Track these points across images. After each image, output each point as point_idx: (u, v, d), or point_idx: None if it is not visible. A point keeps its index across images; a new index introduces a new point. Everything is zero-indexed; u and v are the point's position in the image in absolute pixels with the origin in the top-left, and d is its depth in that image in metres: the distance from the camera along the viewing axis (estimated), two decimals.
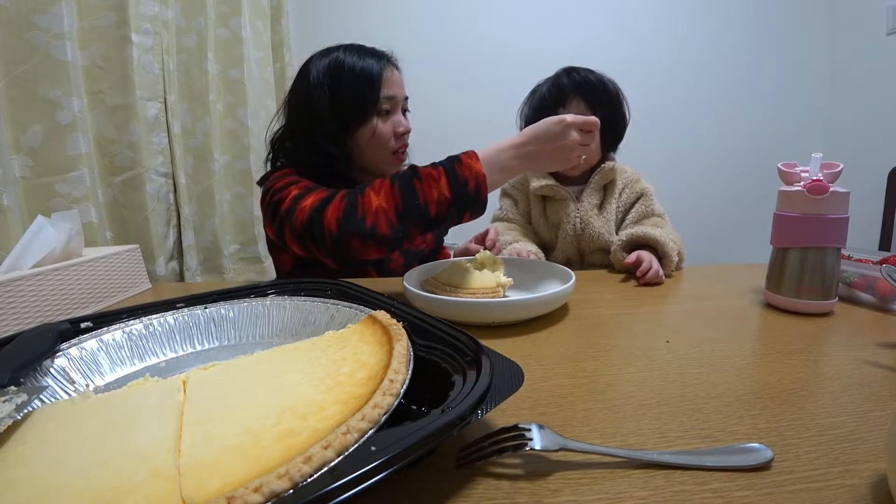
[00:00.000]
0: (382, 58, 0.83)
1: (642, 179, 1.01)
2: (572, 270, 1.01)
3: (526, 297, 0.55)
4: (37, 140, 0.87)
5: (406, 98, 0.86)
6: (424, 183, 0.60)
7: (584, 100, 0.94)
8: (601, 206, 0.98)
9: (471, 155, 0.62)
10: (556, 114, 0.91)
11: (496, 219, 1.07)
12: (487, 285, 0.61)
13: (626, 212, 0.98)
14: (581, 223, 0.96)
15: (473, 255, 0.75)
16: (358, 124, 0.81)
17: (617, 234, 0.97)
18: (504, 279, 0.63)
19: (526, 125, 0.97)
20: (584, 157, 0.83)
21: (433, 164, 0.63)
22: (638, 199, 0.98)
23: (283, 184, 0.74)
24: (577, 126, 0.62)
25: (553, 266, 0.71)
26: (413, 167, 0.64)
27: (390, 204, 0.60)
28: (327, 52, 0.83)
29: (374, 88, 0.79)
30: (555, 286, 0.63)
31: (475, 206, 0.61)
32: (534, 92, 1.02)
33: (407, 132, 0.85)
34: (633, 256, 0.78)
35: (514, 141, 0.63)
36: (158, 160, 1.10)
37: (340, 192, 0.66)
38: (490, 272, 0.65)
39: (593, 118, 0.63)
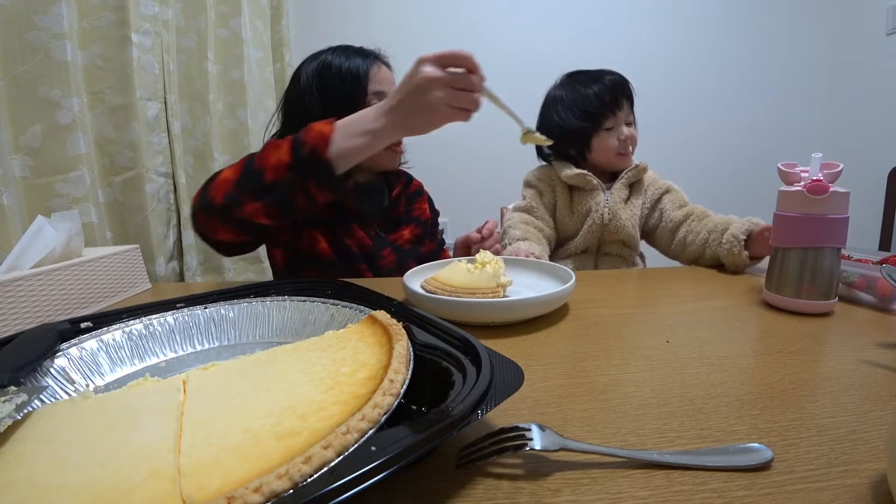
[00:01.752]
0: (369, 56, 0.84)
1: (659, 179, 1.09)
2: (588, 261, 1.05)
3: (526, 297, 0.55)
4: (37, 140, 0.87)
5: None
6: (266, 150, 0.60)
7: (627, 99, 1.01)
8: (627, 201, 1.04)
9: (327, 122, 0.60)
10: (611, 119, 0.99)
11: (518, 209, 1.08)
12: (487, 285, 0.61)
13: (653, 207, 1.05)
14: (609, 213, 1.01)
15: (473, 244, 0.75)
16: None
17: (644, 226, 1.06)
18: (504, 279, 0.63)
19: (567, 135, 1.03)
20: (466, 107, 0.60)
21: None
22: (664, 193, 1.05)
23: None
24: (432, 61, 0.54)
25: (553, 266, 0.71)
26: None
27: (234, 174, 0.62)
28: (316, 55, 0.85)
29: (360, 85, 0.81)
30: (555, 286, 0.63)
31: (317, 171, 0.57)
32: (561, 99, 1.04)
33: None
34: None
35: (381, 102, 0.61)
36: (158, 160, 1.10)
37: None
38: (490, 272, 0.65)
39: (459, 51, 0.54)
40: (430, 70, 0.54)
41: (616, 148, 1.01)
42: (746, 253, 0.79)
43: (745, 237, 0.80)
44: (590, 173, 1.02)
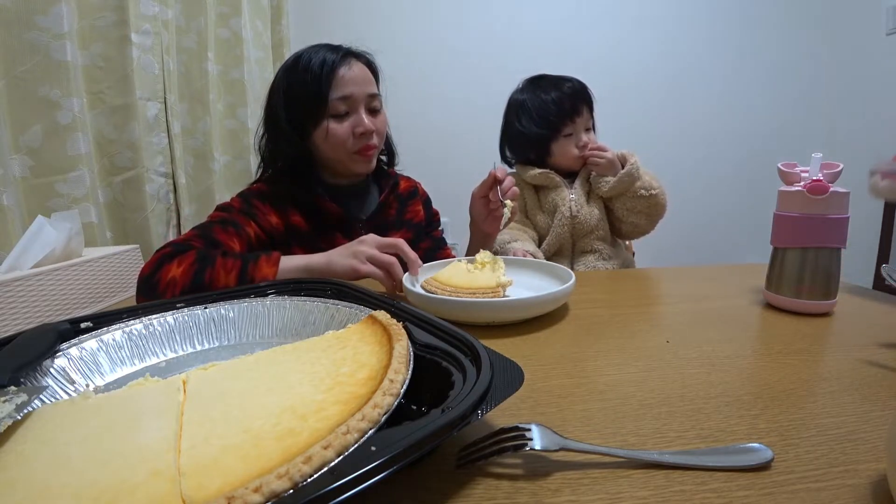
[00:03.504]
0: (340, 50, 0.79)
1: None
2: (565, 257, 1.07)
3: (526, 297, 0.55)
4: (37, 140, 0.87)
5: (374, 95, 0.81)
6: (217, 271, 0.63)
7: (587, 106, 1.04)
8: (591, 193, 1.07)
9: (272, 259, 0.65)
10: (570, 126, 1.03)
11: None
12: (487, 285, 0.61)
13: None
14: (576, 206, 1.04)
15: (491, 191, 0.76)
16: (312, 126, 0.79)
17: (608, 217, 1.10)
18: (504, 279, 0.63)
19: (525, 142, 1.07)
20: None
21: (242, 256, 0.65)
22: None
23: (212, 219, 0.77)
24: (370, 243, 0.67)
25: (553, 266, 0.71)
26: (223, 252, 0.67)
27: (183, 279, 0.62)
28: (290, 57, 0.83)
29: (321, 91, 0.76)
30: (555, 286, 0.63)
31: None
32: (522, 105, 1.07)
33: (367, 132, 0.80)
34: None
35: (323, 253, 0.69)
36: (158, 160, 1.11)
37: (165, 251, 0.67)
38: (490, 272, 0.65)
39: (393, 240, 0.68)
40: (364, 248, 0.66)
41: (575, 154, 1.04)
42: (593, 173, 1.03)
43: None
44: (552, 171, 1.05)
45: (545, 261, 0.90)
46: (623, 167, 1.01)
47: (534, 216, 1.09)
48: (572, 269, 1.03)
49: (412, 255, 0.67)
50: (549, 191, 1.06)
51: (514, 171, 1.13)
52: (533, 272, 0.73)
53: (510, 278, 0.64)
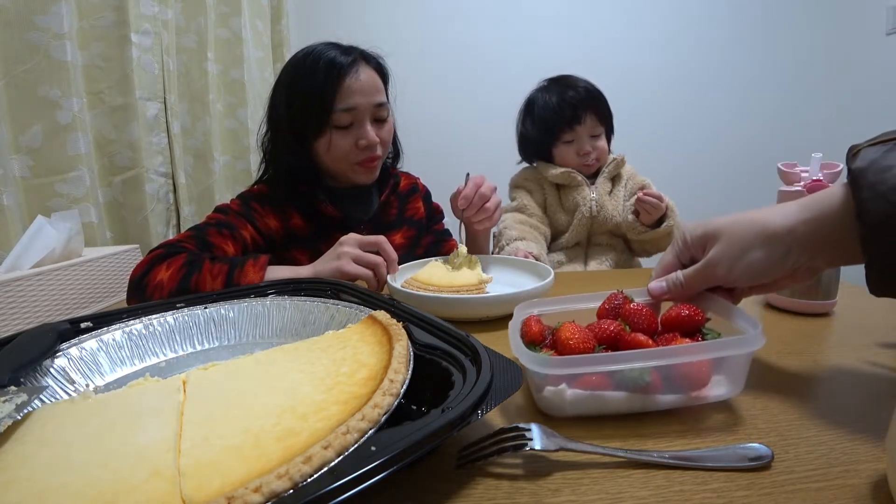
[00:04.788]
0: (350, 54, 0.76)
1: (637, 174, 1.11)
2: (579, 252, 1.08)
3: (511, 292, 0.56)
4: (37, 140, 0.87)
5: (380, 105, 0.78)
6: (203, 276, 0.62)
7: (594, 113, 1.02)
8: (611, 192, 1.07)
9: (259, 264, 0.63)
10: (569, 133, 1.02)
11: (510, 209, 1.09)
12: (469, 282, 0.61)
13: (630, 199, 1.07)
14: (597, 206, 1.04)
15: (461, 212, 0.75)
16: (314, 135, 0.77)
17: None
18: (484, 276, 0.63)
19: (528, 144, 1.08)
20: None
21: (229, 260, 0.64)
22: (640, 188, 1.07)
23: (208, 221, 0.76)
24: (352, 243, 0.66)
25: (532, 263, 0.72)
26: (213, 257, 0.65)
27: (170, 284, 0.61)
28: (299, 51, 0.80)
29: (324, 101, 0.74)
30: (534, 282, 0.63)
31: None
32: (531, 106, 1.07)
33: (370, 145, 0.78)
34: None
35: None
36: (158, 160, 1.11)
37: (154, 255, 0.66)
38: (469, 270, 0.66)
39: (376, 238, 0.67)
40: (348, 248, 0.65)
41: (577, 161, 1.03)
42: (632, 217, 1.00)
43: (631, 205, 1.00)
44: (574, 170, 1.04)
45: (544, 258, 0.91)
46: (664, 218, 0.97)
47: (553, 214, 1.08)
48: (586, 259, 1.06)
49: (392, 254, 0.66)
50: (570, 190, 1.05)
51: (534, 166, 1.11)
52: (511, 269, 0.73)
53: (490, 275, 0.65)
